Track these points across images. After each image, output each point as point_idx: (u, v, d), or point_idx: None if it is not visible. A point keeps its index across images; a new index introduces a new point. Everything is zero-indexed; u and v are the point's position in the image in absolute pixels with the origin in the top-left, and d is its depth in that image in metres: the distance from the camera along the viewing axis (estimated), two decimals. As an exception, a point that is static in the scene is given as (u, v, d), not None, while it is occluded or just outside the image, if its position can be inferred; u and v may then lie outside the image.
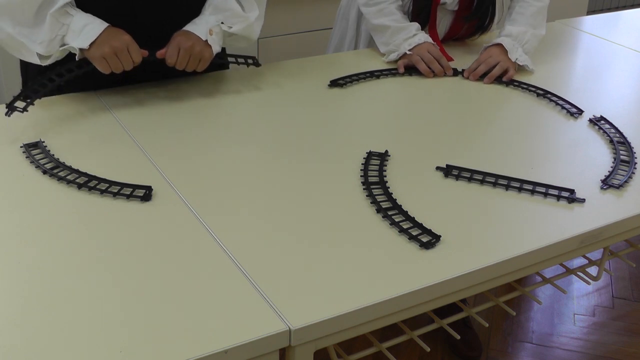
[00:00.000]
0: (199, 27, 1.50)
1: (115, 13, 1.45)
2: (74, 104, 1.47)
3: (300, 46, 2.65)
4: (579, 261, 1.69)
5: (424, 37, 1.76)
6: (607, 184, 1.25)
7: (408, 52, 1.73)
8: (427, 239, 1.06)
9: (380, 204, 1.15)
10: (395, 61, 1.77)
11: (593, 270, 1.31)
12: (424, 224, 1.10)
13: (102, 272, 0.98)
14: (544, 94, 1.63)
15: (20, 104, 1.35)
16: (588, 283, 1.33)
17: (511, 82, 1.69)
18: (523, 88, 1.67)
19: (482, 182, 1.24)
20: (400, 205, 1.15)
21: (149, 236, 1.07)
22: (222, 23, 1.53)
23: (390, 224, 1.10)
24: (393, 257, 1.04)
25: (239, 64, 1.57)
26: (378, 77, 1.72)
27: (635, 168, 1.31)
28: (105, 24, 1.41)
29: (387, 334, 1.11)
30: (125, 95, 1.53)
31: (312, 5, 2.64)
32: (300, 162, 1.30)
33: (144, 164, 1.27)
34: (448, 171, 1.26)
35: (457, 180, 1.25)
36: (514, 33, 1.74)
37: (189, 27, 1.50)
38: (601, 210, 1.18)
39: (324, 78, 1.67)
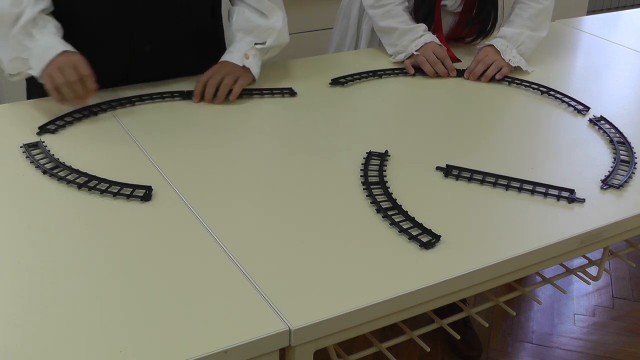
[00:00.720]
0: (233, 54, 1.54)
1: (113, 40, 1.46)
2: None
3: (301, 46, 2.64)
4: (579, 261, 1.69)
5: (430, 37, 1.75)
6: (607, 184, 1.25)
7: (415, 53, 1.73)
8: (427, 239, 1.06)
9: (380, 204, 1.15)
10: (403, 62, 1.77)
11: (593, 270, 1.31)
12: (424, 224, 1.10)
13: (102, 272, 0.98)
14: (547, 92, 1.63)
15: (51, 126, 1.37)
16: (588, 283, 1.33)
17: (513, 81, 1.69)
18: (526, 86, 1.67)
19: (482, 182, 1.24)
20: (400, 205, 1.15)
21: (149, 236, 1.07)
22: (255, 44, 1.55)
23: (390, 224, 1.10)
24: (393, 257, 1.04)
25: (273, 94, 1.58)
26: (380, 76, 1.72)
27: (635, 168, 1.31)
28: (62, 47, 1.35)
29: (387, 334, 1.11)
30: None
31: (312, 5, 2.63)
32: (301, 162, 1.30)
33: (144, 164, 1.27)
34: (448, 171, 1.26)
35: (457, 180, 1.25)
36: (509, 34, 1.74)
37: (225, 57, 1.54)
38: (601, 210, 1.18)
39: (324, 78, 1.67)
